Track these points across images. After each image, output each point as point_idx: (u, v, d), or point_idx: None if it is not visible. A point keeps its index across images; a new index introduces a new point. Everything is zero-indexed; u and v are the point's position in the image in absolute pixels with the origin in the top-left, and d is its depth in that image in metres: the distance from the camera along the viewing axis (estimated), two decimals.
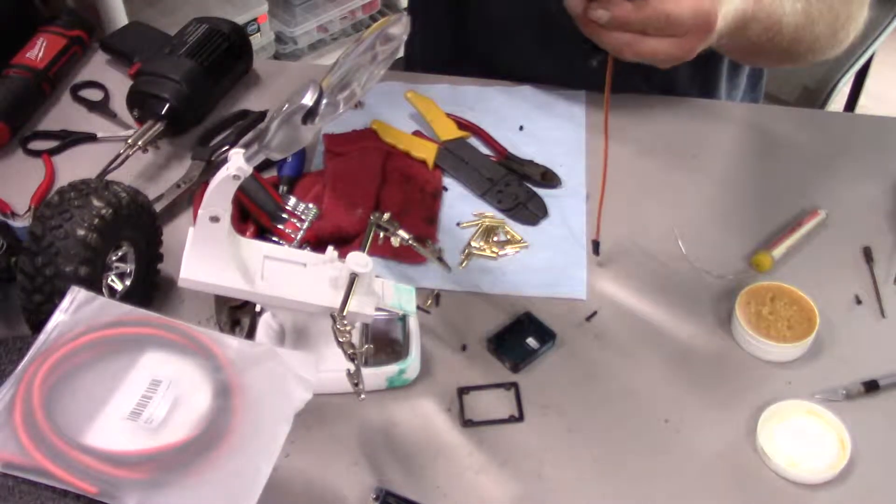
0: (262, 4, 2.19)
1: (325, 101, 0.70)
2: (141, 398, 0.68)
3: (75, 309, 0.73)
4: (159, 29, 1.20)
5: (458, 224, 0.99)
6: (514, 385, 0.85)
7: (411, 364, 0.83)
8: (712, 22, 0.78)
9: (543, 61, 1.14)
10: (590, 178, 1.04)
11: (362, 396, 0.75)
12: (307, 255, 0.81)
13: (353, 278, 0.77)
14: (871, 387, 0.85)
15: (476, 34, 1.21)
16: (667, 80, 1.13)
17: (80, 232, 0.80)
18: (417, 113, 1.11)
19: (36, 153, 1.07)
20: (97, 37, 1.21)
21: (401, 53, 1.37)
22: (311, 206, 0.96)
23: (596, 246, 0.94)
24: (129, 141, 1.02)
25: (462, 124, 1.09)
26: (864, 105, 2.00)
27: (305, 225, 0.95)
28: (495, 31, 1.18)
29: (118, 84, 1.14)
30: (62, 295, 0.74)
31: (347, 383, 0.74)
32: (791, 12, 0.94)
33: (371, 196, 0.98)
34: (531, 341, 0.87)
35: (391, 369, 0.83)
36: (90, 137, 1.09)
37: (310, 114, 0.70)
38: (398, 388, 0.84)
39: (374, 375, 0.82)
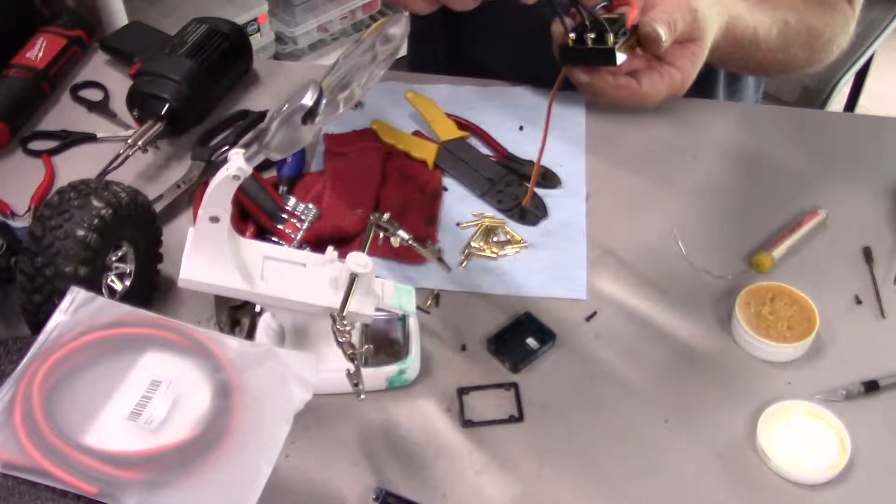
0: (262, 4, 2.19)
1: (325, 102, 0.70)
2: (141, 398, 0.68)
3: (75, 309, 0.73)
4: (159, 29, 1.20)
5: (458, 224, 0.99)
6: (514, 385, 0.85)
7: (411, 364, 0.83)
8: (684, 91, 0.80)
9: (540, 63, 1.14)
10: (590, 179, 1.04)
11: (362, 397, 0.75)
12: (307, 255, 0.81)
13: (353, 278, 0.77)
14: (871, 387, 0.84)
15: (470, 37, 1.20)
16: None
17: (80, 232, 0.79)
18: (417, 113, 1.11)
19: (36, 153, 1.06)
20: (97, 37, 1.21)
21: (401, 54, 1.37)
22: (310, 206, 0.96)
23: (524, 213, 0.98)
24: (129, 141, 1.02)
25: (462, 124, 1.09)
26: (864, 105, 2.00)
27: (305, 225, 0.95)
28: (491, 34, 1.18)
29: (118, 84, 1.14)
30: (62, 295, 0.74)
31: (347, 383, 0.74)
32: (765, 37, 0.93)
33: (371, 196, 0.98)
34: (531, 341, 0.87)
35: (391, 369, 0.83)
36: (90, 137, 1.09)
37: (310, 114, 0.70)
38: (398, 388, 0.84)
39: (374, 375, 0.82)
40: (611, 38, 0.79)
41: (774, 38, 0.95)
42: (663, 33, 0.78)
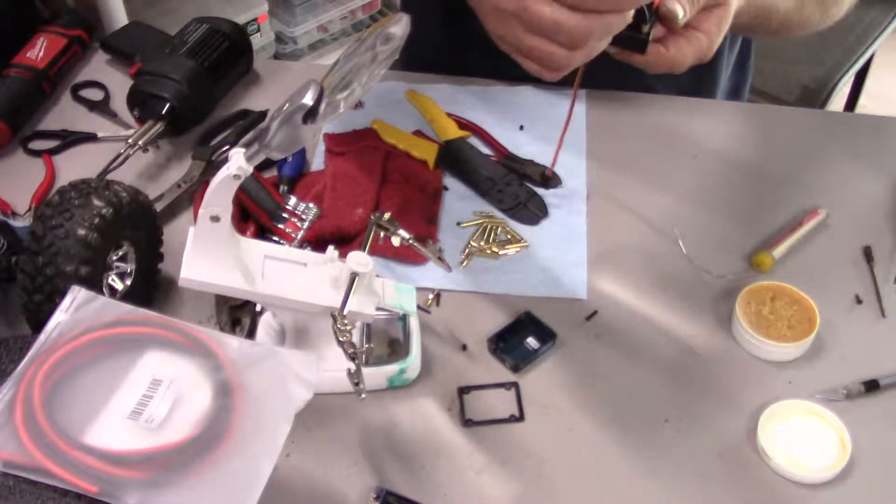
0: (262, 4, 2.19)
1: (325, 101, 0.70)
2: (141, 398, 0.68)
3: (76, 308, 0.73)
4: (159, 29, 1.20)
5: (458, 224, 0.99)
6: (515, 385, 0.85)
7: (412, 364, 0.83)
8: (710, 55, 0.80)
9: None
10: (590, 178, 1.04)
11: (363, 396, 0.75)
12: (308, 254, 0.81)
13: (354, 278, 0.77)
14: (872, 387, 0.85)
15: (470, 37, 1.20)
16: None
17: (81, 231, 0.80)
18: (418, 113, 1.11)
19: (36, 153, 1.07)
20: (97, 36, 1.21)
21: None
22: (311, 205, 0.96)
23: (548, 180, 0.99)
24: (130, 141, 1.02)
25: (462, 124, 1.09)
26: (864, 105, 2.01)
27: (306, 224, 0.95)
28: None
29: (118, 84, 1.14)
30: (63, 294, 0.74)
31: (348, 383, 0.74)
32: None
33: (371, 196, 0.98)
34: (531, 341, 0.87)
35: (392, 369, 0.83)
36: (90, 137, 1.09)
37: (310, 113, 0.70)
38: (399, 387, 0.84)
39: (375, 375, 0.82)
40: (646, 27, 0.79)
41: None
42: (680, 13, 0.80)
